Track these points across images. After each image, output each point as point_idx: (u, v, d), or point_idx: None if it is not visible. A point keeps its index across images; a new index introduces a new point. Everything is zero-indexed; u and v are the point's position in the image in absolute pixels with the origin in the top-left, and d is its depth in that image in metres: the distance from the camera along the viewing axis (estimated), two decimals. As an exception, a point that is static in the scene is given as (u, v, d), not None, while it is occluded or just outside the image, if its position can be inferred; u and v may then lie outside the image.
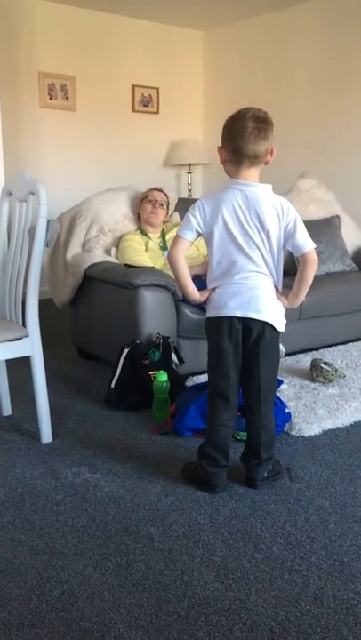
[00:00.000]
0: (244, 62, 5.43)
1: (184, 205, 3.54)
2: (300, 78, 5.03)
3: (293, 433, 2.46)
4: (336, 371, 2.96)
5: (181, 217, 3.42)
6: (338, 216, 3.99)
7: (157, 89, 5.57)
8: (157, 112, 5.61)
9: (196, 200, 2.01)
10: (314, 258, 1.95)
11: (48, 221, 2.21)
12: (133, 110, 5.48)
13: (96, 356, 3.34)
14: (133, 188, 3.60)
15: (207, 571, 1.63)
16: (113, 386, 2.72)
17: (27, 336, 2.26)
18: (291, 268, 2.14)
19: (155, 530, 1.81)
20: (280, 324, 1.96)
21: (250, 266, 1.92)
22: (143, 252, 3.23)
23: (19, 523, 1.85)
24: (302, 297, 2.03)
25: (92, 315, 3.23)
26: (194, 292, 2.03)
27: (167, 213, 3.48)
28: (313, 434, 2.46)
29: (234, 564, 1.66)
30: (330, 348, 3.50)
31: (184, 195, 5.61)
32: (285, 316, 2.01)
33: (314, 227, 3.43)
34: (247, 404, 2.03)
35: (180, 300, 2.83)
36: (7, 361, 2.51)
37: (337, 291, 3.50)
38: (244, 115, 1.85)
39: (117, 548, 1.72)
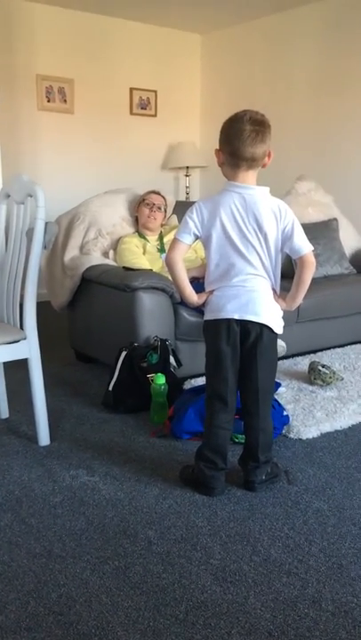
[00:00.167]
0: (242, 65, 5.44)
1: (182, 208, 3.54)
2: (298, 81, 5.04)
3: (291, 436, 2.46)
4: (334, 373, 2.96)
5: (179, 220, 3.43)
6: (336, 219, 3.99)
7: (155, 92, 5.57)
8: (155, 115, 5.62)
9: (193, 203, 2.01)
10: (312, 260, 1.95)
11: (46, 224, 2.21)
12: (131, 113, 5.49)
13: (94, 358, 3.34)
14: (131, 191, 3.60)
15: (205, 574, 1.62)
16: (111, 388, 2.71)
17: (24, 338, 2.26)
18: (289, 271, 2.14)
19: (152, 533, 1.81)
20: (278, 326, 1.97)
21: (248, 268, 1.92)
22: (141, 255, 3.23)
23: (16, 526, 1.85)
24: (300, 299, 2.03)
25: (89, 317, 3.23)
26: (192, 295, 2.03)
27: (165, 216, 3.48)
28: (311, 436, 2.46)
29: (232, 566, 1.65)
30: (328, 351, 3.50)
31: (182, 197, 5.62)
32: (283, 318, 2.01)
33: (312, 229, 3.44)
34: (245, 407, 2.02)
35: (178, 303, 2.83)
36: (4, 363, 2.51)
37: (335, 293, 3.50)
38: (242, 117, 1.85)
39: (115, 551, 1.72)
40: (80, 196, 3.79)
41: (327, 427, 2.53)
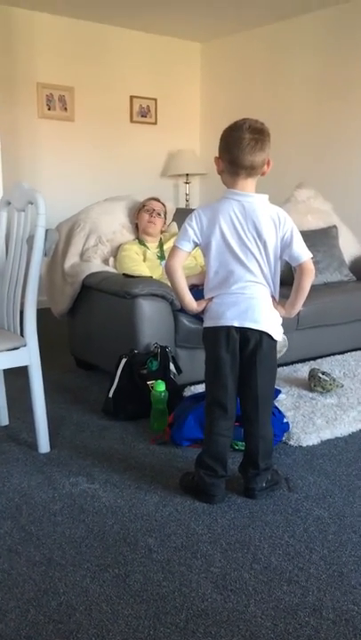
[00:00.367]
0: (242, 73, 5.47)
1: (182, 215, 3.55)
2: (297, 89, 5.06)
3: (292, 443, 2.46)
4: (334, 380, 2.96)
5: (179, 227, 3.43)
6: (335, 226, 4.00)
7: (155, 100, 5.60)
8: (155, 122, 5.65)
9: (193, 210, 2.02)
10: (311, 268, 1.96)
11: (46, 231, 2.22)
12: (131, 121, 5.51)
13: (94, 365, 3.34)
14: (131, 198, 3.62)
15: (206, 582, 1.62)
16: (111, 395, 2.71)
17: (24, 345, 2.26)
18: (288, 278, 2.15)
19: (153, 541, 1.80)
20: (277, 333, 1.97)
21: (247, 276, 1.93)
22: (141, 262, 3.24)
23: (16, 533, 1.84)
24: (299, 306, 2.03)
25: (89, 324, 3.23)
26: (191, 303, 2.04)
27: (165, 223, 3.49)
28: (311, 444, 2.46)
29: (232, 574, 1.65)
30: (328, 358, 3.50)
31: (182, 205, 5.63)
32: (283, 325, 2.01)
33: (311, 237, 3.45)
34: (245, 414, 2.02)
35: (178, 310, 2.83)
36: (5, 370, 2.51)
37: (335, 301, 3.51)
38: (241, 126, 1.86)
39: (115, 559, 1.71)
40: (80, 203, 3.81)
41: (327, 434, 2.53)
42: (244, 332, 1.92)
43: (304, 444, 2.45)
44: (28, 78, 4.91)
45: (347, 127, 4.77)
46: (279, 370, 2.53)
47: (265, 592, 1.58)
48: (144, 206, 3.42)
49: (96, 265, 3.22)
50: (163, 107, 5.65)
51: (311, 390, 2.96)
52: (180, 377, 2.82)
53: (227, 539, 1.81)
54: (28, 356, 2.27)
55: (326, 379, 2.94)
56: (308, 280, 1.97)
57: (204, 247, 1.96)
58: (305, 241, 1.95)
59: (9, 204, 2.43)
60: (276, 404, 2.56)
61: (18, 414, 2.71)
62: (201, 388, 2.65)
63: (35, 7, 4.74)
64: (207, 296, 2.01)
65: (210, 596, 1.56)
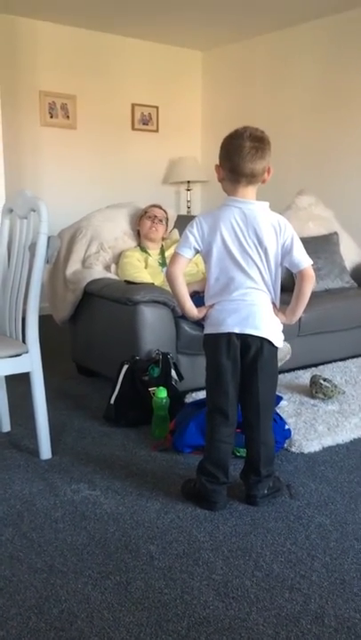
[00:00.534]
0: (243, 81, 5.50)
1: (183, 222, 3.56)
2: (298, 98, 5.09)
3: (293, 450, 2.46)
4: (336, 387, 2.96)
5: (180, 234, 3.44)
6: (336, 233, 4.01)
7: (157, 107, 5.63)
8: (157, 130, 5.67)
9: (194, 217, 2.03)
10: (311, 274, 1.96)
11: (48, 238, 2.23)
12: (133, 128, 5.54)
13: (95, 372, 3.34)
14: (133, 205, 3.63)
15: (207, 589, 1.61)
16: (112, 402, 2.71)
17: (26, 352, 2.27)
18: (288, 284, 2.15)
19: (154, 548, 1.80)
20: (278, 339, 1.97)
21: (248, 282, 1.93)
22: (143, 269, 3.25)
23: (17, 540, 1.84)
24: (300, 313, 2.04)
25: (91, 331, 3.23)
26: (192, 309, 2.04)
27: (166, 229, 3.50)
28: (313, 450, 2.46)
29: (234, 582, 1.65)
30: (329, 365, 3.50)
31: (183, 211, 5.65)
32: (284, 332, 2.02)
33: (312, 244, 3.45)
34: (246, 420, 2.02)
35: (180, 317, 2.84)
36: (7, 377, 2.51)
37: (336, 307, 3.51)
38: (242, 134, 1.87)
39: (117, 566, 1.71)
40: (82, 210, 3.82)
41: (329, 440, 2.53)
42: (245, 339, 1.92)
43: (306, 451, 2.44)
44: (31, 86, 4.94)
45: (347, 135, 4.79)
46: (281, 376, 2.53)
47: (267, 599, 1.57)
48: (146, 213, 3.44)
49: (98, 272, 3.23)
50: (164, 114, 5.68)
51: (313, 397, 2.95)
52: (182, 383, 2.82)
53: (228, 546, 1.81)
54: (30, 362, 2.28)
55: (328, 385, 2.94)
56: (309, 286, 1.97)
57: (205, 254, 1.97)
58: (306, 248, 1.96)
59: (11, 211, 2.44)
60: (278, 411, 2.55)
61: (19, 421, 2.71)
62: (202, 395, 2.65)
63: (37, 16, 4.78)
64: (208, 303, 2.01)
65: (211, 603, 1.56)
